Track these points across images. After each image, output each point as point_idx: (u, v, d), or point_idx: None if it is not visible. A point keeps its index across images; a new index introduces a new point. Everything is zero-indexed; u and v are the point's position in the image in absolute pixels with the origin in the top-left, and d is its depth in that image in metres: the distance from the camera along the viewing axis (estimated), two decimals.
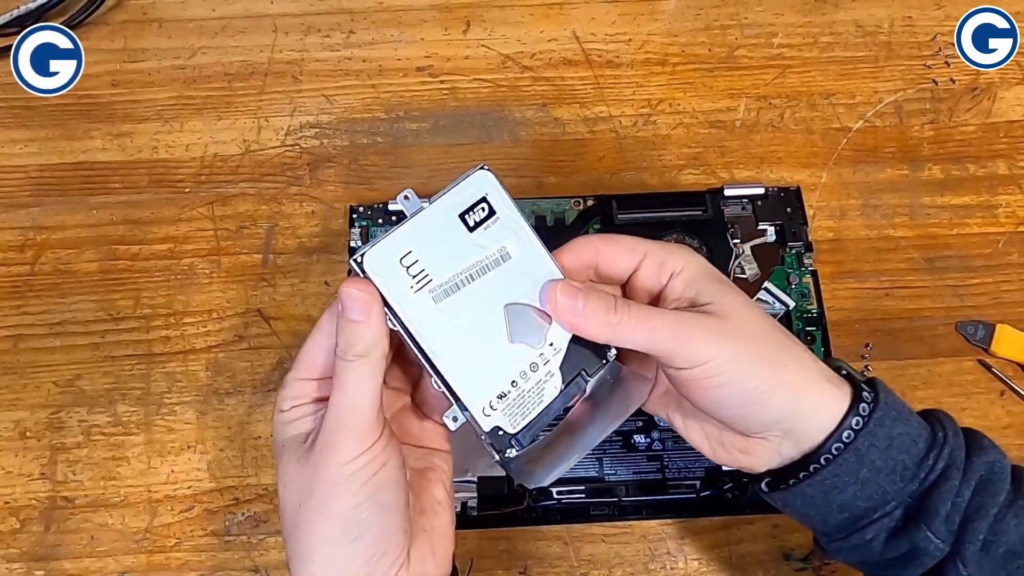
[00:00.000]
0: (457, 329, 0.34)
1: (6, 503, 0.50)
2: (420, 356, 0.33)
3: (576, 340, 0.35)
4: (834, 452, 0.35)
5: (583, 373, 0.36)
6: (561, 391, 0.35)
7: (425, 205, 0.34)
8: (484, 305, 0.34)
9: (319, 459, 0.33)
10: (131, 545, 0.49)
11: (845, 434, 0.35)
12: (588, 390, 0.36)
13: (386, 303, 0.33)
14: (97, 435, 0.51)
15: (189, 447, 0.51)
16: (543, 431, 0.36)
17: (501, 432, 0.34)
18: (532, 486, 0.36)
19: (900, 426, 0.36)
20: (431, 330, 0.33)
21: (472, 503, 0.48)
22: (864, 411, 0.35)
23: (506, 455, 0.35)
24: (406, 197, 0.34)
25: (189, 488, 0.50)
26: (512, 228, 0.35)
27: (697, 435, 0.39)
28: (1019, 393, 0.52)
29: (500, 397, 0.34)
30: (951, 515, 0.34)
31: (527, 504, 0.49)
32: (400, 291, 0.33)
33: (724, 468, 0.49)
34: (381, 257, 0.33)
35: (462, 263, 0.34)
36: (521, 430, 0.34)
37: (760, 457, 0.37)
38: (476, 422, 0.34)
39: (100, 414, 0.52)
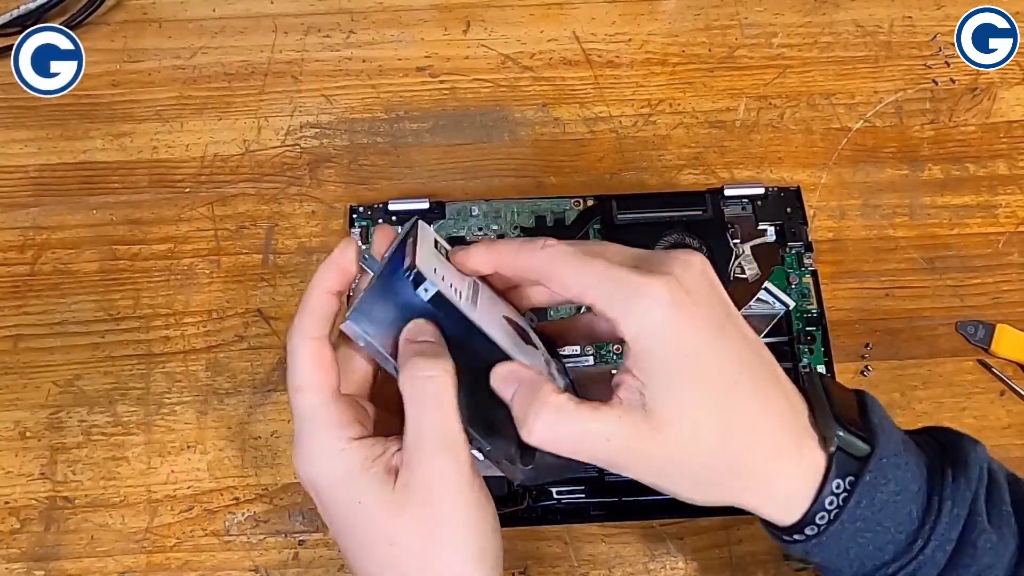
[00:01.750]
0: (497, 328, 0.32)
1: (6, 503, 0.50)
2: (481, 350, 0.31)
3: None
4: (819, 523, 0.31)
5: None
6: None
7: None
8: (494, 315, 0.33)
9: (433, 497, 0.29)
10: (131, 545, 0.49)
11: (828, 500, 0.31)
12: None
13: (449, 306, 0.31)
14: (97, 435, 0.51)
15: (189, 447, 0.51)
16: None
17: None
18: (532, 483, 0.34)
19: (892, 485, 0.31)
20: (490, 323, 0.31)
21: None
22: (844, 483, 0.31)
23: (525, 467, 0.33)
24: (366, 259, 0.32)
25: (189, 488, 0.50)
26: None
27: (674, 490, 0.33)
28: (1019, 393, 0.52)
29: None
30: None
31: (527, 504, 0.49)
32: (456, 297, 0.31)
33: None
34: (428, 265, 0.30)
35: (462, 281, 0.33)
36: None
37: (742, 505, 0.32)
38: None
39: (100, 414, 0.52)
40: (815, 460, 0.31)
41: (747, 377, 0.30)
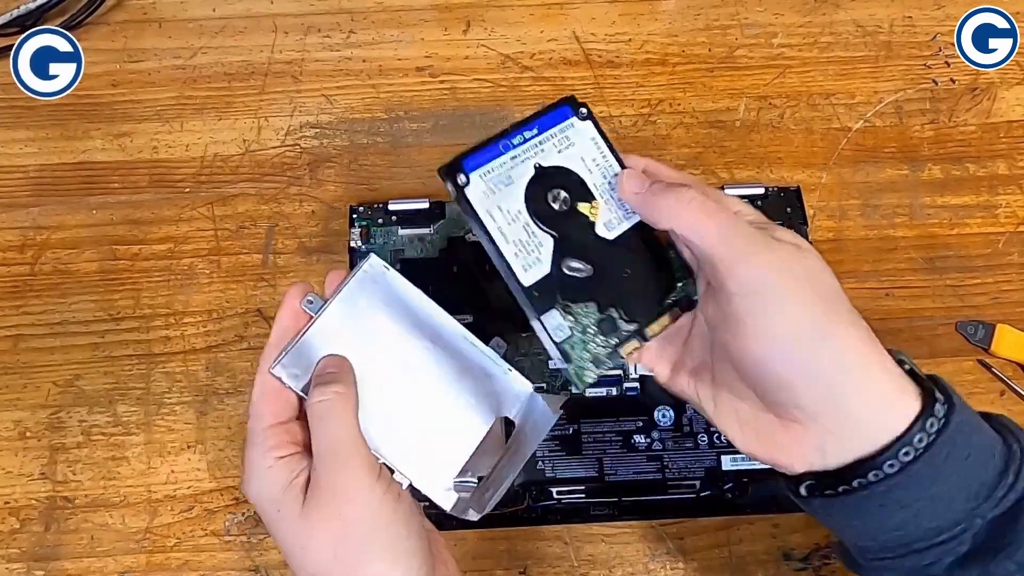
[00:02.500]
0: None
1: (6, 503, 0.50)
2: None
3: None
4: (902, 460, 0.29)
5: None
6: None
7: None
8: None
9: (338, 503, 0.32)
10: (131, 545, 0.49)
11: (917, 438, 0.29)
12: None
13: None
14: (97, 435, 0.51)
15: (189, 447, 0.51)
16: (481, 473, 0.37)
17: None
18: (475, 518, 0.36)
19: (977, 435, 0.30)
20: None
21: (460, 474, 0.47)
22: (939, 414, 0.29)
23: (453, 505, 0.37)
24: (309, 301, 0.37)
25: (189, 488, 0.50)
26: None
27: (728, 417, 0.33)
28: (1019, 393, 0.52)
29: None
30: None
31: (527, 504, 0.49)
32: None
33: (725, 468, 0.49)
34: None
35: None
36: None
37: (797, 453, 0.31)
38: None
39: (100, 414, 0.52)
40: (901, 388, 0.30)
41: (849, 321, 0.31)
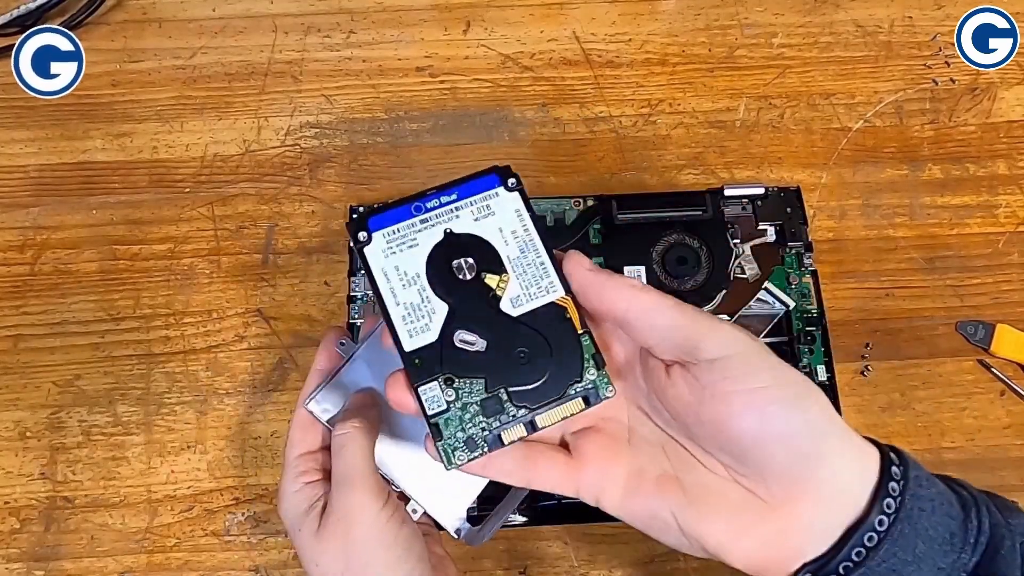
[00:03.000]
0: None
1: (6, 503, 0.50)
2: None
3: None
4: (878, 528, 0.28)
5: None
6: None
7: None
8: None
9: (347, 524, 0.35)
10: (131, 545, 0.49)
11: (886, 503, 0.28)
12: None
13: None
14: (97, 435, 0.51)
15: (189, 447, 0.51)
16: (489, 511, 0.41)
17: None
18: (477, 546, 0.40)
19: (933, 486, 0.30)
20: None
21: (472, 503, 0.48)
22: (897, 475, 0.29)
23: (461, 532, 0.40)
24: (342, 344, 0.40)
25: (189, 488, 0.50)
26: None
27: (709, 523, 0.31)
28: (1019, 393, 0.52)
29: None
30: None
31: (527, 504, 0.49)
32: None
33: None
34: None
35: None
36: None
37: (793, 537, 0.30)
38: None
39: (100, 414, 0.52)
40: (862, 446, 0.30)
41: (814, 388, 0.31)
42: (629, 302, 0.31)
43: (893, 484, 0.29)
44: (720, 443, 0.30)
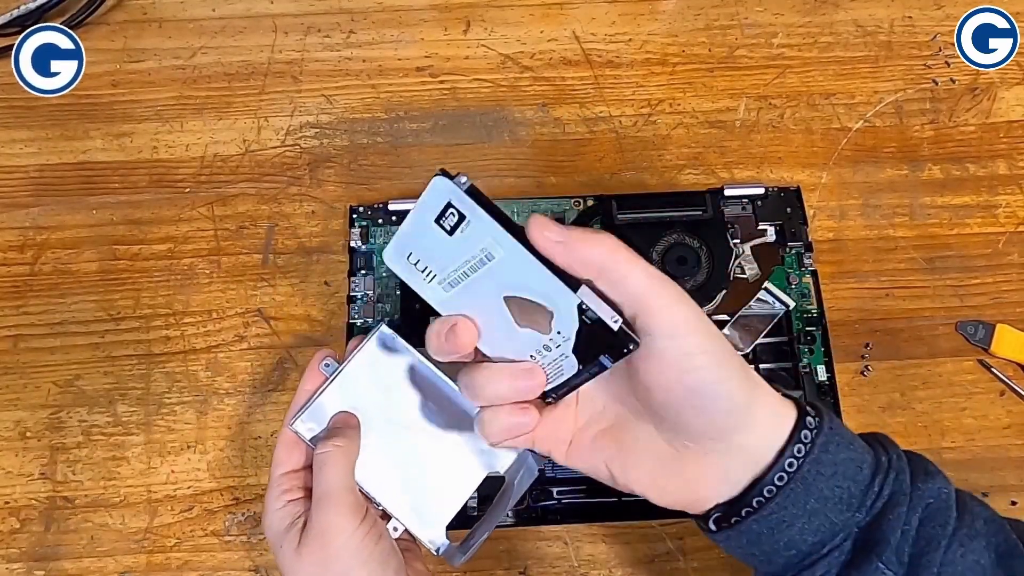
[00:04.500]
0: (472, 311, 0.35)
1: (6, 503, 0.50)
2: None
3: (586, 332, 0.34)
4: (778, 483, 0.33)
5: (604, 357, 0.34)
6: (580, 369, 0.34)
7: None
8: (486, 296, 0.34)
9: (323, 540, 0.37)
10: (131, 545, 0.49)
11: (787, 462, 0.33)
12: (609, 368, 0.35)
13: (411, 289, 0.35)
14: (97, 435, 0.51)
15: (189, 447, 0.51)
16: (475, 530, 0.41)
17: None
18: (457, 564, 0.40)
19: (844, 451, 0.33)
20: (452, 309, 0.35)
21: (472, 503, 0.48)
22: (806, 438, 0.33)
23: (440, 550, 0.41)
24: (327, 364, 0.41)
25: (189, 488, 0.50)
26: (485, 232, 0.33)
27: (638, 471, 0.35)
28: (1019, 393, 0.52)
29: None
30: (901, 545, 0.33)
31: (527, 504, 0.49)
32: (417, 281, 0.35)
33: None
34: (395, 254, 0.35)
35: (453, 262, 0.34)
36: (549, 390, 0.35)
37: (706, 485, 0.34)
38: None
39: (100, 414, 0.52)
40: (785, 410, 0.34)
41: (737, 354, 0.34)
42: (604, 258, 0.32)
43: (799, 446, 0.33)
44: (648, 407, 0.34)
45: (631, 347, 0.33)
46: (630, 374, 0.34)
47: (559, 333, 0.34)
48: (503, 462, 0.42)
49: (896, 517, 0.33)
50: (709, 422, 0.33)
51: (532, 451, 0.40)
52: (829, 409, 0.35)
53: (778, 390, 0.35)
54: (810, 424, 0.33)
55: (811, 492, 0.33)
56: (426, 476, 0.41)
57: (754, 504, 0.33)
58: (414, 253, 0.34)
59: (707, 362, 0.32)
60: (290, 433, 0.40)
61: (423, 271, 0.35)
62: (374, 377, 0.41)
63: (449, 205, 0.33)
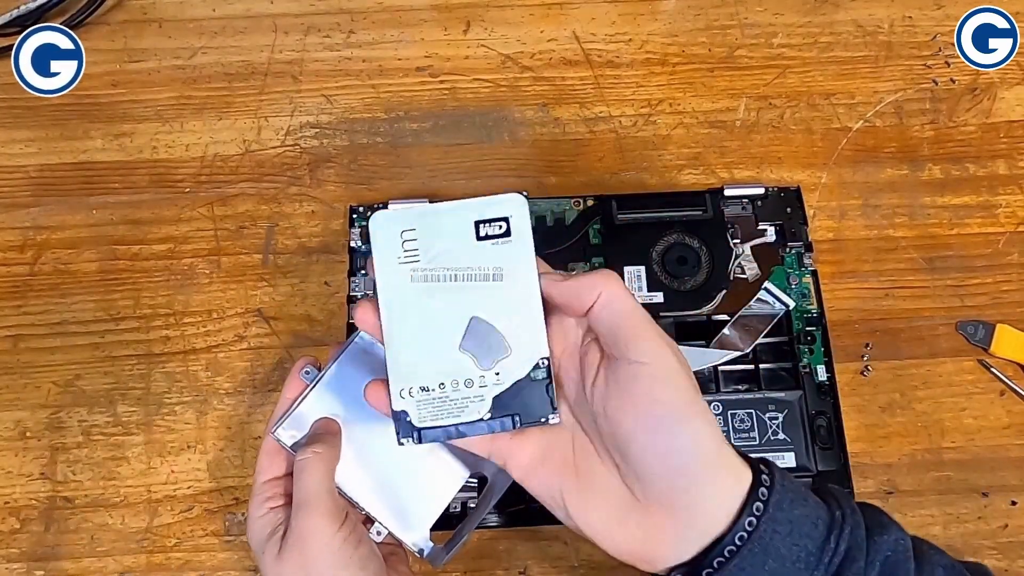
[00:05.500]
0: (418, 312, 0.34)
1: (6, 503, 0.50)
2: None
3: (524, 386, 0.35)
4: (737, 543, 0.32)
5: (516, 417, 0.35)
6: (483, 419, 0.34)
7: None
8: (453, 306, 0.34)
9: (303, 545, 0.37)
10: (131, 545, 0.49)
11: (747, 521, 0.32)
12: (517, 428, 0.35)
13: (373, 262, 0.35)
14: (97, 435, 0.51)
15: (189, 447, 0.51)
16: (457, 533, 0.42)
17: (407, 419, 0.34)
18: (437, 566, 0.40)
19: (799, 507, 0.33)
20: (395, 299, 0.34)
21: (472, 503, 0.48)
22: (763, 495, 0.32)
23: (424, 552, 0.41)
24: (307, 372, 0.41)
25: (189, 488, 0.50)
26: (519, 256, 0.34)
27: (592, 513, 0.34)
28: (1019, 393, 0.52)
29: (422, 389, 0.34)
30: None
31: (527, 504, 0.49)
32: (387, 257, 0.34)
33: None
34: (388, 220, 0.34)
35: (454, 261, 0.34)
36: (424, 428, 0.34)
37: (663, 541, 0.33)
38: (389, 398, 0.35)
39: (100, 414, 0.52)
40: (739, 469, 0.33)
41: (706, 410, 0.34)
42: (604, 290, 0.33)
43: (758, 504, 0.32)
44: (614, 440, 0.33)
45: (549, 418, 0.34)
46: (605, 398, 0.34)
47: (497, 375, 0.34)
48: (484, 463, 0.41)
49: (854, 573, 0.32)
50: (674, 468, 0.32)
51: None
52: (775, 464, 0.34)
53: (734, 448, 0.34)
54: (764, 482, 0.33)
55: (769, 552, 0.32)
56: (408, 479, 0.41)
57: (714, 565, 0.32)
58: (417, 231, 0.34)
59: (679, 399, 0.32)
60: (272, 441, 0.40)
61: (407, 251, 0.34)
62: (354, 382, 0.41)
63: (504, 219, 0.34)
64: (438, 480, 0.41)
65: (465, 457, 0.41)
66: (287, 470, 0.40)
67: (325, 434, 0.40)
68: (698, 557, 0.32)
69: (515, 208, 0.34)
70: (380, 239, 0.34)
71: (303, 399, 0.41)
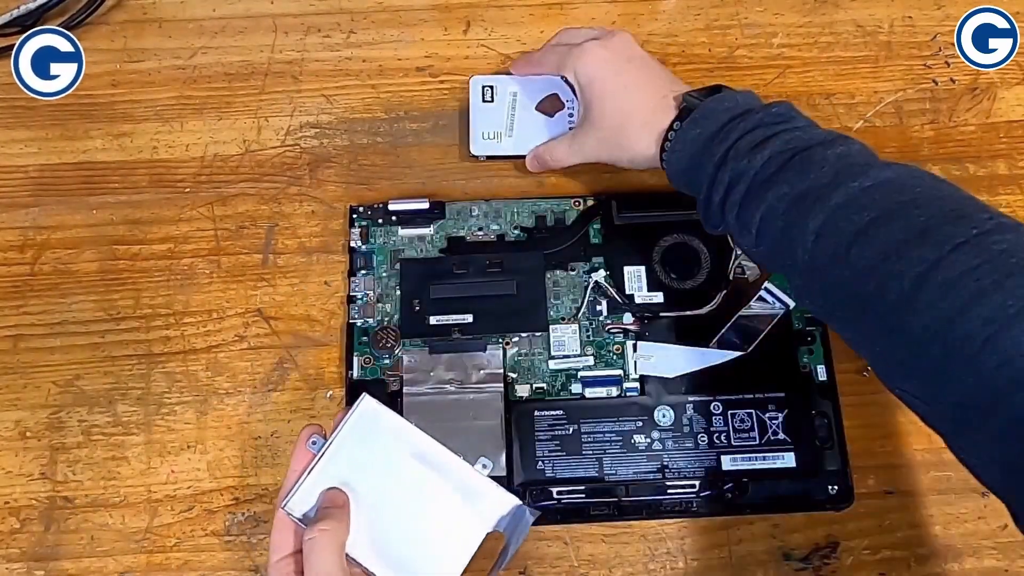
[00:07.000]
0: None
1: (6, 503, 0.50)
2: None
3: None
4: (675, 127, 0.47)
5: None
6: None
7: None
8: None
9: None
10: (131, 545, 0.49)
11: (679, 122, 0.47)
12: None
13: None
14: (97, 435, 0.51)
15: (189, 447, 0.51)
16: None
17: None
18: None
19: (697, 127, 0.46)
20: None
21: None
22: (694, 105, 0.46)
23: None
24: (313, 442, 0.41)
25: (189, 488, 0.50)
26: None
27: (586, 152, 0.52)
28: None
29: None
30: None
31: (527, 504, 0.48)
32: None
33: (725, 468, 0.49)
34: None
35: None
36: None
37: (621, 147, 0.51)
38: None
39: (100, 414, 0.52)
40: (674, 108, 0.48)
41: (635, 74, 0.50)
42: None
43: (692, 115, 0.46)
44: (592, 121, 0.51)
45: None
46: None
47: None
48: (499, 521, 0.41)
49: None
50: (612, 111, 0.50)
51: (528, 505, 0.41)
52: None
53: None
54: (693, 102, 0.47)
55: (688, 140, 0.46)
56: (423, 542, 0.41)
57: (669, 137, 0.47)
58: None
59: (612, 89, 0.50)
60: (283, 515, 0.40)
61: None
62: (361, 449, 0.41)
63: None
64: (454, 541, 0.41)
65: (479, 515, 0.41)
66: (297, 546, 0.40)
67: (332, 508, 0.40)
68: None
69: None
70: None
71: (311, 471, 0.40)
